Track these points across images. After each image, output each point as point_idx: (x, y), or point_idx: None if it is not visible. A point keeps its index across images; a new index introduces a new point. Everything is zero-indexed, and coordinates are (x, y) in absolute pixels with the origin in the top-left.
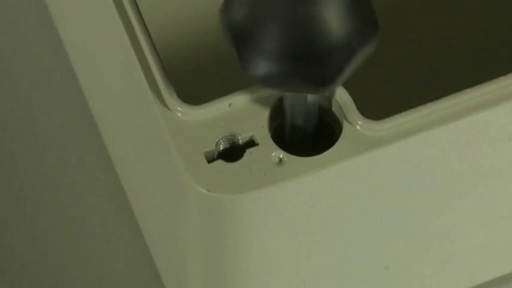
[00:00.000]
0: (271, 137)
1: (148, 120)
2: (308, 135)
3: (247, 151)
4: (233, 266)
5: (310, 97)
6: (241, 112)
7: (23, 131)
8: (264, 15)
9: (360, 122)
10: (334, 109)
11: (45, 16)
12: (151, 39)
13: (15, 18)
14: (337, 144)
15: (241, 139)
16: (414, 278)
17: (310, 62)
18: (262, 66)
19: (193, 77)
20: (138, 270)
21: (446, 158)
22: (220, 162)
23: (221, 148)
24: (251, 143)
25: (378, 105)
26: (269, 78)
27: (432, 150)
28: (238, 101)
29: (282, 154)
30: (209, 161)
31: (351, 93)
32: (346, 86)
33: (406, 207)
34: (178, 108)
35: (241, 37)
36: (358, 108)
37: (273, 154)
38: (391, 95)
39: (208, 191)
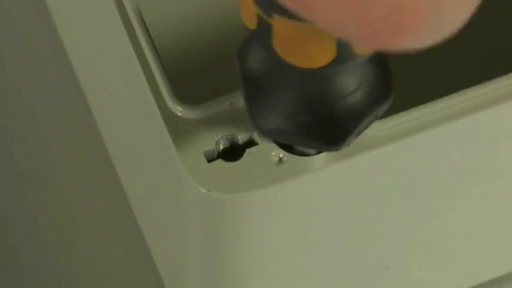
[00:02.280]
0: None
1: (148, 120)
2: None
3: (247, 150)
4: (233, 266)
5: None
6: (241, 112)
7: (23, 131)
8: (280, 77)
9: None
10: None
11: (45, 16)
12: (151, 39)
13: (15, 18)
14: None
15: (241, 139)
16: (414, 278)
17: (322, 125)
18: (272, 122)
19: (193, 77)
20: (138, 270)
21: (446, 158)
22: (220, 162)
23: (221, 148)
24: (251, 143)
25: None
26: (279, 134)
27: (432, 150)
28: (239, 101)
29: (282, 154)
30: (209, 161)
31: None
32: None
33: (406, 207)
34: (179, 108)
35: (254, 89)
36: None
37: (273, 154)
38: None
39: (208, 190)
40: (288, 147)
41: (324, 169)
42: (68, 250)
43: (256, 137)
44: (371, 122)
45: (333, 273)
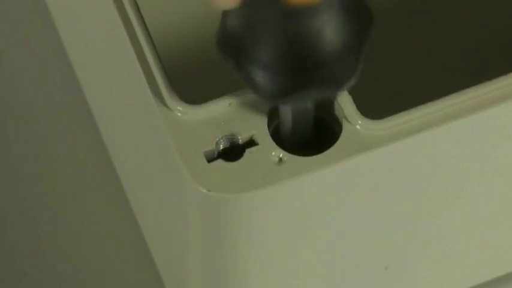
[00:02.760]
0: (271, 136)
1: (148, 120)
2: (309, 134)
3: (247, 151)
4: (233, 265)
5: (310, 104)
6: (241, 112)
7: (23, 131)
8: (269, 35)
9: (360, 122)
10: (334, 109)
11: (45, 16)
12: (151, 39)
13: (15, 18)
14: (337, 144)
15: (241, 139)
16: (414, 278)
17: (326, 66)
18: (277, 85)
19: (193, 77)
20: (138, 270)
21: (446, 157)
22: (220, 162)
23: (221, 148)
24: (251, 143)
25: (378, 105)
26: (288, 93)
27: (432, 150)
28: (238, 101)
29: (282, 154)
30: (209, 161)
31: (351, 93)
32: None
33: (406, 207)
34: (178, 108)
35: (249, 60)
36: (358, 108)
37: (273, 154)
38: (391, 95)
39: (208, 190)
40: (288, 147)
41: (324, 169)
42: (68, 250)
43: (256, 137)
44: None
45: (333, 273)
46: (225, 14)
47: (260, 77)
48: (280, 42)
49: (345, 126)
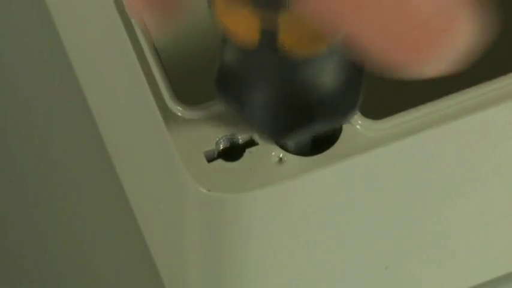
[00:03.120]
0: None
1: (148, 120)
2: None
3: (247, 150)
4: (233, 265)
5: None
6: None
7: (23, 131)
8: (268, 78)
9: (360, 122)
10: None
11: (45, 16)
12: (151, 39)
13: (15, 18)
14: (337, 144)
15: (241, 138)
16: (414, 278)
17: (328, 103)
18: (280, 126)
19: (193, 77)
20: (138, 270)
21: (446, 158)
22: (220, 162)
23: (221, 147)
24: (251, 143)
25: (378, 105)
26: (291, 134)
27: (432, 150)
28: None
29: (282, 154)
30: (209, 161)
31: None
32: None
33: (406, 207)
34: (179, 108)
35: (250, 103)
36: (358, 108)
37: (273, 153)
38: (391, 95)
39: (208, 190)
40: (288, 147)
41: (324, 169)
42: (68, 250)
43: (256, 137)
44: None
45: (333, 273)
46: (222, 53)
47: (262, 117)
48: (281, 84)
49: (345, 126)
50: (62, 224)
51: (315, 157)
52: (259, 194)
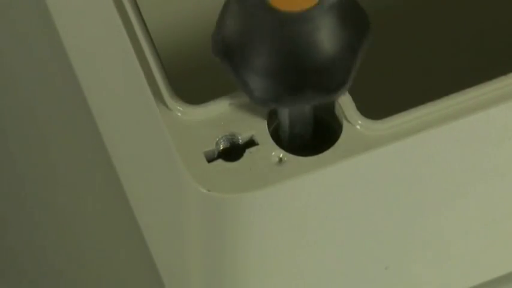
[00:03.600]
0: (271, 136)
1: (148, 120)
2: (308, 136)
3: (247, 151)
4: (233, 265)
5: (307, 107)
6: (241, 112)
7: (23, 131)
8: (261, 40)
9: (360, 122)
10: (335, 109)
11: (45, 16)
12: (151, 38)
13: (15, 18)
14: (337, 144)
15: (241, 139)
16: (414, 278)
17: (319, 71)
18: (271, 89)
19: (193, 77)
20: (138, 270)
21: (446, 158)
22: (220, 162)
23: (221, 148)
24: (251, 143)
25: (378, 105)
26: (281, 98)
27: (432, 150)
28: (238, 101)
29: (282, 154)
30: (209, 161)
31: (351, 93)
32: None
33: (406, 207)
34: (178, 108)
35: (243, 64)
36: (358, 108)
37: (273, 154)
38: (391, 95)
39: (208, 190)
40: (288, 147)
41: (324, 169)
42: (68, 250)
43: (256, 137)
44: (361, 57)
45: (332, 273)
46: (220, 18)
47: (252, 80)
48: (272, 47)
49: (345, 126)
50: (62, 224)
51: (315, 157)
52: (259, 194)
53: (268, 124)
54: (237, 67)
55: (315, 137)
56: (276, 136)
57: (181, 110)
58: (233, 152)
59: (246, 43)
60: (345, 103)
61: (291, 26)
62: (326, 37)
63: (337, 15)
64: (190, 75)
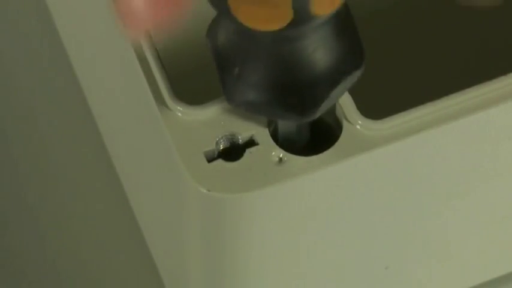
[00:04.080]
0: (271, 136)
1: (148, 120)
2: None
3: (247, 150)
4: (233, 266)
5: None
6: (241, 112)
7: (23, 131)
8: (247, 47)
9: (360, 122)
10: (335, 109)
11: (45, 16)
12: (151, 38)
13: (15, 18)
14: (337, 144)
15: (241, 138)
16: (414, 278)
17: (290, 92)
18: (244, 94)
19: (193, 77)
20: (138, 270)
21: (446, 158)
22: (220, 162)
23: (221, 147)
24: (251, 143)
25: (378, 105)
26: (251, 106)
27: (432, 150)
28: None
29: (282, 154)
30: (209, 161)
31: (351, 93)
32: None
33: (406, 207)
34: (179, 108)
35: (225, 65)
36: (358, 108)
37: (273, 153)
38: (391, 95)
39: (208, 190)
40: (288, 147)
41: (324, 169)
42: (68, 250)
43: (256, 137)
44: (342, 92)
45: (332, 273)
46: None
47: (227, 82)
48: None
49: (345, 126)
50: (62, 224)
51: (315, 157)
52: (259, 194)
53: (268, 124)
54: (222, 68)
55: (315, 137)
56: (276, 136)
57: (181, 110)
58: (233, 152)
59: (234, 49)
60: (345, 103)
61: (263, 45)
62: (305, 61)
63: (314, 40)
64: (191, 76)
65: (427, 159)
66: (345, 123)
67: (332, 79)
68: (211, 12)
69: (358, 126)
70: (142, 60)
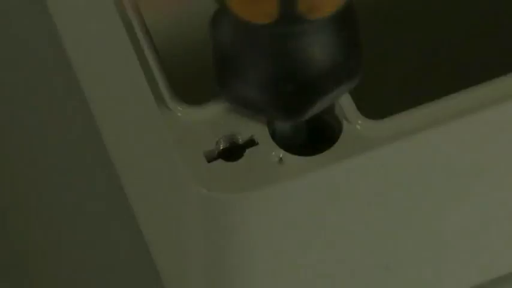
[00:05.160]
0: (271, 136)
1: (148, 120)
2: (308, 136)
3: (247, 150)
4: (233, 266)
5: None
6: (241, 112)
7: (23, 131)
8: (241, 40)
9: (360, 122)
10: (335, 109)
11: (45, 16)
12: (151, 39)
13: (15, 18)
14: (337, 144)
15: (241, 138)
16: (414, 278)
17: (278, 92)
18: (236, 88)
19: (193, 77)
20: (138, 270)
21: (446, 158)
22: (220, 162)
23: (221, 147)
24: (251, 143)
25: (378, 105)
26: (240, 101)
27: (432, 150)
28: None
29: (282, 154)
30: (209, 161)
31: (351, 93)
32: None
33: (406, 207)
34: (179, 108)
35: (222, 59)
36: (358, 108)
37: (273, 153)
38: (391, 95)
39: (208, 190)
40: (288, 147)
41: (324, 169)
42: (68, 250)
43: (256, 137)
44: (335, 98)
45: (332, 273)
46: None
47: (221, 77)
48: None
49: (345, 126)
50: (62, 224)
51: (315, 157)
52: (259, 194)
53: (268, 124)
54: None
55: (315, 137)
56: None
57: (181, 110)
58: (233, 152)
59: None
60: (345, 103)
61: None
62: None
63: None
64: (191, 76)
65: (427, 159)
66: (344, 123)
67: (322, 86)
68: (211, 12)
69: (358, 126)
70: (143, 61)
